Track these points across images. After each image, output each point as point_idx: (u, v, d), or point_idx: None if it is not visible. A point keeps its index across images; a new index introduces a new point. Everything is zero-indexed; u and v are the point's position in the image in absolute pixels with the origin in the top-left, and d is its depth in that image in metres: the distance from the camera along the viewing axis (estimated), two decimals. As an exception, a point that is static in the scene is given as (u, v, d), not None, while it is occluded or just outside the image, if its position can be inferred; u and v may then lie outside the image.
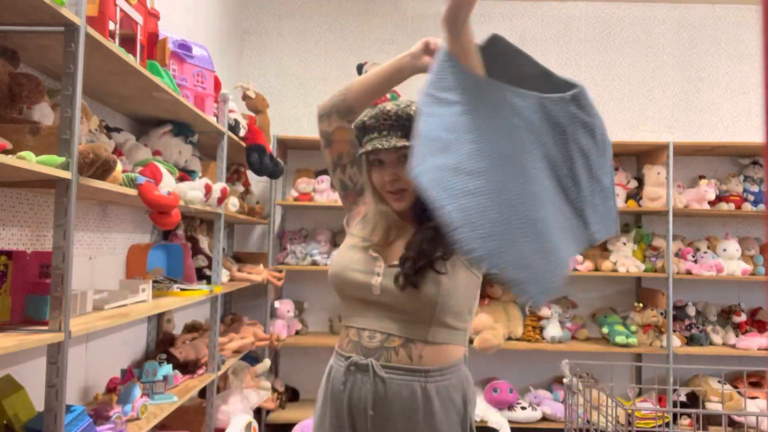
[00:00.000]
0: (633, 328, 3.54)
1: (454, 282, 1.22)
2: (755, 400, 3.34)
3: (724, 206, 3.58)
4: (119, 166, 1.63)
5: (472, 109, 1.06)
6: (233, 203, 2.85)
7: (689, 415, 3.37)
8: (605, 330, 3.58)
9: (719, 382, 3.21)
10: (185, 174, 2.31)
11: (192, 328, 2.90)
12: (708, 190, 3.52)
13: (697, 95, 3.93)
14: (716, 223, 3.87)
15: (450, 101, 1.08)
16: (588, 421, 2.01)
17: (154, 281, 2.24)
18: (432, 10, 3.98)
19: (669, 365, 3.23)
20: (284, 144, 3.78)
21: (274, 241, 3.75)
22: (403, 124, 1.24)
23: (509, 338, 3.57)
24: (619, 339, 3.45)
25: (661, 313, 3.58)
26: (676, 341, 3.49)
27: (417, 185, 1.02)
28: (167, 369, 2.21)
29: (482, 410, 3.32)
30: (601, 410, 1.99)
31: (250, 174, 3.57)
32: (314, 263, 3.60)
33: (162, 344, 2.59)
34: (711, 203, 3.57)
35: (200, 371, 2.48)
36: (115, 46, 1.56)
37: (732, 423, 3.42)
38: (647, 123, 3.92)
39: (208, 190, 2.19)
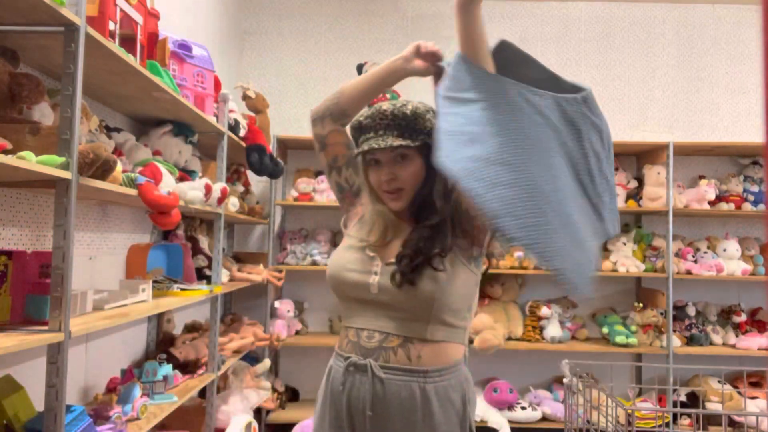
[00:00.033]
0: (633, 328, 3.54)
1: (452, 279, 1.22)
2: (755, 400, 3.33)
3: (724, 206, 3.58)
4: (119, 166, 1.63)
5: (494, 105, 1.08)
6: (233, 203, 2.85)
7: (689, 415, 3.37)
8: (605, 330, 3.58)
9: (719, 382, 3.21)
10: (185, 174, 2.31)
11: (192, 328, 2.90)
12: (708, 190, 3.52)
13: (697, 95, 3.93)
14: (716, 223, 3.87)
15: (471, 99, 1.10)
16: (588, 421, 2.01)
17: (154, 281, 2.24)
18: (432, 10, 3.98)
19: (669, 365, 3.23)
20: (284, 144, 3.78)
21: (274, 241, 3.75)
22: (399, 123, 1.24)
23: (509, 338, 3.57)
24: (619, 339, 3.45)
25: (661, 313, 3.58)
26: (676, 341, 3.49)
27: (448, 174, 1.03)
28: (167, 369, 2.21)
29: (482, 410, 3.32)
30: (601, 410, 1.99)
31: (250, 174, 3.57)
32: (314, 263, 3.60)
33: (162, 344, 2.59)
34: (711, 203, 3.57)
35: (200, 371, 2.48)
36: (115, 46, 1.56)
37: (732, 423, 3.42)
38: (647, 123, 3.92)
39: (208, 190, 2.19)
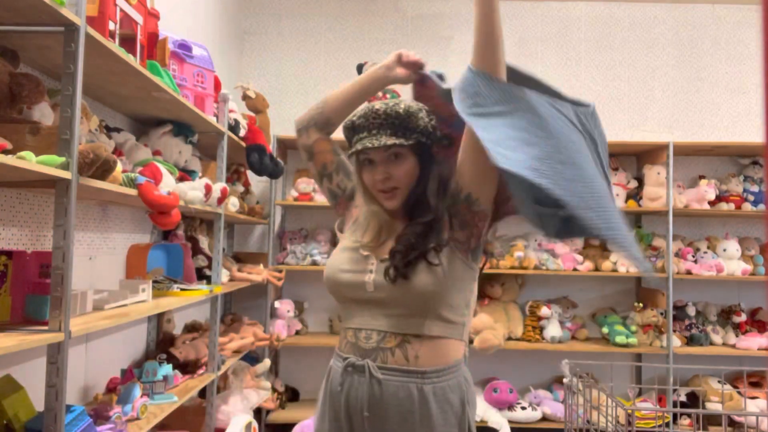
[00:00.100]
0: (633, 328, 3.54)
1: (448, 273, 1.22)
2: (755, 400, 3.34)
3: (724, 206, 3.58)
4: (119, 166, 1.63)
5: (532, 113, 1.13)
6: (233, 203, 2.85)
7: (689, 415, 3.37)
8: (605, 330, 3.58)
9: (719, 382, 3.21)
10: (185, 174, 2.31)
11: (192, 328, 2.90)
12: (708, 190, 3.52)
13: (697, 95, 3.93)
14: (716, 223, 3.87)
15: (505, 111, 1.13)
16: (588, 421, 2.01)
17: (154, 281, 2.24)
18: (432, 10, 3.98)
19: (669, 365, 3.23)
20: (284, 144, 3.78)
21: (274, 241, 3.75)
22: (392, 122, 1.24)
23: (509, 338, 3.57)
24: (619, 339, 3.45)
25: (661, 313, 3.58)
26: (676, 341, 3.49)
27: (509, 172, 1.06)
28: (167, 369, 2.21)
29: (482, 410, 3.32)
30: (601, 410, 1.99)
31: (250, 174, 3.57)
32: (314, 263, 3.60)
33: (162, 344, 2.59)
34: (711, 203, 3.57)
35: (200, 371, 2.48)
36: (115, 46, 1.56)
37: (732, 423, 3.42)
38: (647, 123, 3.92)
39: (208, 190, 2.19)
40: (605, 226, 1.07)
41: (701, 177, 3.70)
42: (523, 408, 3.41)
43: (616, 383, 2.48)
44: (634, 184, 3.71)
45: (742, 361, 3.55)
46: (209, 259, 2.77)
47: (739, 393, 3.29)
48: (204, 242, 2.91)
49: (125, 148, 2.03)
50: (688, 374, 3.66)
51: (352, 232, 1.36)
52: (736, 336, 3.60)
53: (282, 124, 3.79)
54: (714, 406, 3.30)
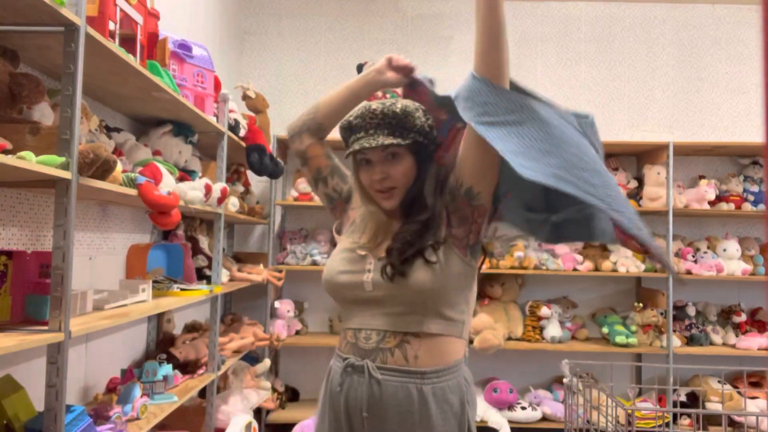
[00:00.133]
0: (633, 328, 3.54)
1: (446, 270, 1.22)
2: (755, 400, 3.34)
3: (724, 206, 3.58)
4: (119, 166, 1.63)
5: (545, 122, 1.14)
6: (233, 203, 2.85)
7: (689, 415, 3.37)
8: (605, 330, 3.58)
9: (719, 382, 3.21)
10: (185, 174, 2.31)
11: (192, 328, 2.90)
12: (708, 190, 3.52)
13: (697, 95, 3.93)
14: (716, 223, 3.87)
15: (517, 121, 1.14)
16: (588, 421, 2.01)
17: (154, 281, 2.24)
18: (432, 10, 3.98)
19: (669, 365, 3.23)
20: (284, 144, 3.78)
21: (274, 241, 3.75)
22: (389, 122, 1.23)
23: (509, 338, 3.57)
24: (619, 339, 3.45)
25: (661, 313, 3.58)
26: (676, 341, 3.49)
27: (540, 183, 1.07)
28: (167, 369, 2.21)
29: (482, 410, 3.32)
30: (601, 410, 1.99)
31: (250, 174, 3.56)
32: (314, 263, 3.59)
33: (162, 344, 2.59)
34: (711, 203, 3.57)
35: (200, 371, 2.48)
36: (115, 46, 1.56)
37: (732, 423, 3.42)
38: (647, 123, 3.92)
39: (208, 190, 2.19)
40: (636, 227, 1.10)
41: (701, 177, 3.70)
42: (523, 408, 3.41)
43: (616, 383, 2.48)
44: (634, 184, 3.71)
45: (742, 361, 3.55)
46: (209, 259, 2.77)
47: (739, 393, 3.29)
48: (204, 242, 2.91)
49: (125, 148, 2.03)
50: (688, 374, 3.66)
51: (349, 234, 1.36)
52: (736, 336, 3.60)
53: (282, 124, 3.79)
54: (714, 406, 3.30)
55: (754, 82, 3.89)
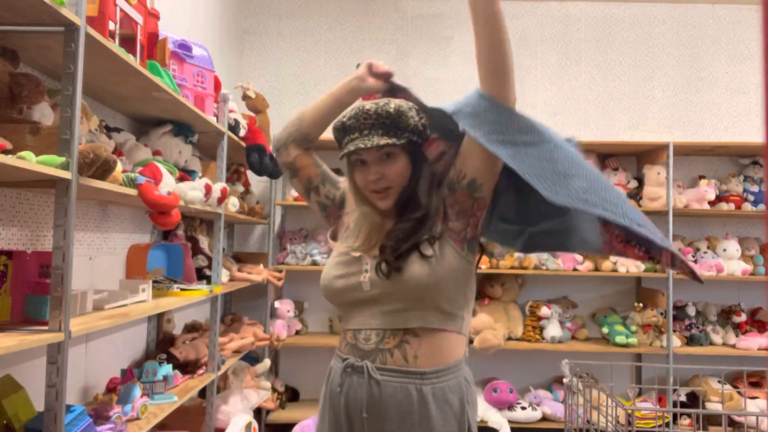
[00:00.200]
0: (633, 328, 3.54)
1: (443, 264, 1.22)
2: (755, 400, 3.34)
3: (724, 206, 3.58)
4: (119, 166, 1.63)
5: (556, 143, 1.16)
6: (233, 203, 2.85)
7: (689, 415, 3.37)
8: (605, 330, 3.58)
9: (719, 382, 3.21)
10: (185, 174, 2.31)
11: (192, 328, 2.90)
12: (708, 190, 3.52)
13: (697, 95, 3.93)
14: (716, 223, 3.87)
15: (532, 141, 1.15)
16: (588, 421, 2.00)
17: (154, 281, 2.24)
18: (432, 10, 3.98)
19: (669, 365, 3.23)
20: (284, 144, 3.77)
21: (274, 241, 3.75)
22: (383, 122, 1.23)
23: (509, 338, 3.57)
24: (619, 339, 3.45)
25: (661, 313, 3.58)
26: (676, 341, 3.49)
27: (564, 204, 1.11)
28: (167, 369, 2.21)
29: (482, 410, 3.32)
30: (601, 410, 1.99)
31: (250, 174, 3.56)
32: (314, 263, 3.59)
33: (162, 344, 2.59)
34: (711, 203, 3.57)
35: (200, 371, 2.48)
36: (115, 46, 1.56)
37: (732, 423, 3.42)
38: (647, 123, 3.92)
39: (208, 190, 2.19)
40: (661, 239, 1.14)
41: (701, 177, 3.70)
42: (523, 408, 3.41)
43: (616, 383, 2.48)
44: (634, 184, 3.71)
45: (742, 361, 3.55)
46: (209, 259, 2.77)
47: (739, 393, 3.29)
48: (204, 242, 2.91)
49: (125, 148, 2.03)
50: (688, 374, 3.66)
51: (344, 239, 1.36)
52: (736, 336, 3.60)
53: (282, 124, 3.76)
54: (714, 406, 3.30)
55: (754, 82, 3.89)
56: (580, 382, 2.09)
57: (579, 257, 3.61)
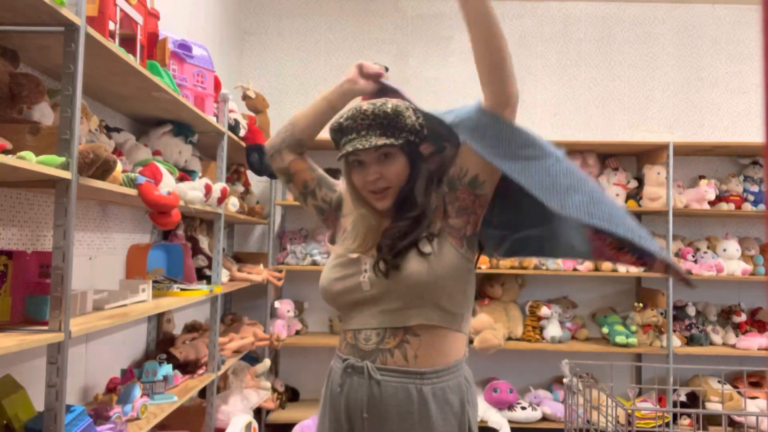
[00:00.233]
0: (633, 328, 3.54)
1: (441, 261, 1.22)
2: (755, 400, 3.34)
3: (724, 206, 3.58)
4: (119, 166, 1.63)
5: (551, 157, 1.17)
6: (233, 203, 2.85)
7: (689, 415, 3.37)
8: (605, 330, 3.58)
9: (719, 382, 3.21)
10: (185, 174, 2.31)
11: (192, 328, 2.90)
12: (708, 190, 3.52)
13: (697, 95, 3.93)
14: (716, 223, 3.87)
15: (535, 156, 1.16)
16: (588, 421, 2.00)
17: (154, 281, 2.24)
18: (432, 10, 3.98)
19: (669, 365, 3.23)
20: (284, 144, 3.77)
21: (274, 241, 3.75)
22: (381, 122, 1.23)
23: (509, 338, 3.57)
24: (619, 339, 3.45)
25: (661, 313, 3.58)
26: (676, 341, 3.49)
27: (573, 218, 1.12)
28: (167, 369, 2.21)
29: (482, 410, 3.32)
30: (601, 410, 1.99)
31: (250, 174, 3.57)
32: (314, 263, 3.60)
33: (162, 344, 2.59)
34: (711, 203, 3.57)
35: (200, 371, 2.48)
36: (115, 46, 1.56)
37: (732, 423, 3.42)
38: (647, 123, 3.92)
39: (208, 190, 2.19)
40: (659, 249, 1.15)
41: (701, 177, 3.70)
42: (523, 408, 3.41)
43: (616, 383, 2.48)
44: (634, 184, 3.71)
45: (742, 361, 3.55)
46: (209, 259, 2.77)
47: (739, 393, 3.29)
48: (204, 242, 2.91)
49: (125, 148, 2.03)
50: (688, 374, 3.66)
51: (342, 241, 1.36)
52: (736, 336, 3.60)
53: (282, 124, 3.79)
54: (714, 406, 3.30)
55: (754, 82, 3.89)
56: (580, 382, 2.09)
57: (579, 257, 3.60)
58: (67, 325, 1.37)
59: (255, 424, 2.67)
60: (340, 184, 1.43)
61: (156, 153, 2.20)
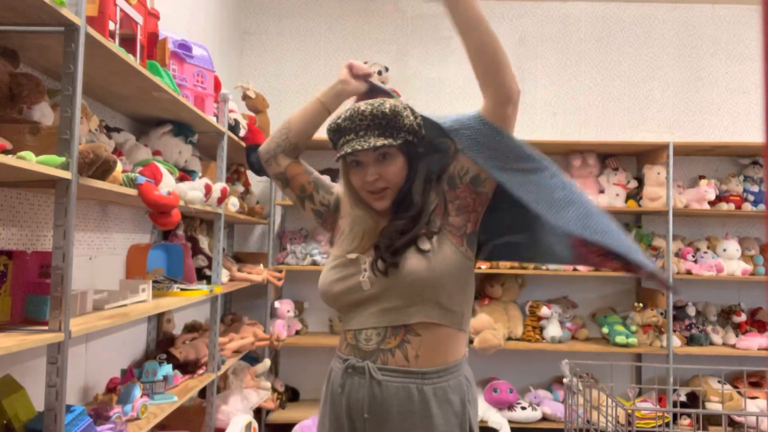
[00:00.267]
0: (633, 328, 3.54)
1: (441, 258, 1.22)
2: (755, 400, 3.34)
3: (724, 206, 3.58)
4: (119, 166, 1.63)
5: (546, 171, 1.19)
6: (233, 203, 2.85)
7: (689, 415, 3.37)
8: (605, 330, 3.58)
9: (719, 382, 3.21)
10: (185, 174, 2.31)
11: (192, 328, 2.90)
12: (708, 190, 3.52)
13: (697, 95, 3.93)
14: (716, 223, 3.87)
15: (532, 168, 1.19)
16: (588, 421, 2.00)
17: (154, 281, 2.24)
18: (432, 11, 3.98)
19: (669, 365, 3.23)
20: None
21: (274, 241, 3.75)
22: (379, 123, 1.23)
23: (509, 338, 3.57)
24: (619, 339, 3.45)
25: (661, 313, 3.58)
26: (676, 341, 3.49)
27: (569, 231, 1.15)
28: (167, 369, 2.21)
29: (482, 410, 3.32)
30: (601, 410, 1.99)
31: (250, 174, 3.57)
32: (314, 263, 3.60)
33: (162, 344, 2.59)
34: (711, 203, 3.57)
35: (200, 371, 2.48)
36: (115, 46, 1.56)
37: (732, 423, 3.42)
38: (647, 123, 3.92)
39: (208, 190, 2.19)
40: (647, 261, 1.17)
41: (701, 177, 3.70)
42: (523, 408, 3.41)
43: (616, 383, 2.48)
44: (634, 184, 3.71)
45: (742, 361, 3.55)
46: (209, 259, 2.77)
47: (739, 393, 3.29)
48: (204, 242, 2.91)
49: (125, 148, 2.03)
50: (688, 374, 3.66)
51: (340, 243, 1.36)
52: (736, 336, 3.60)
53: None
54: (714, 406, 3.30)
55: (754, 82, 3.89)
56: (580, 382, 2.09)
57: (579, 257, 3.60)
58: (67, 325, 1.37)
59: (255, 424, 2.67)
60: (337, 186, 1.43)
61: (156, 153, 2.20)
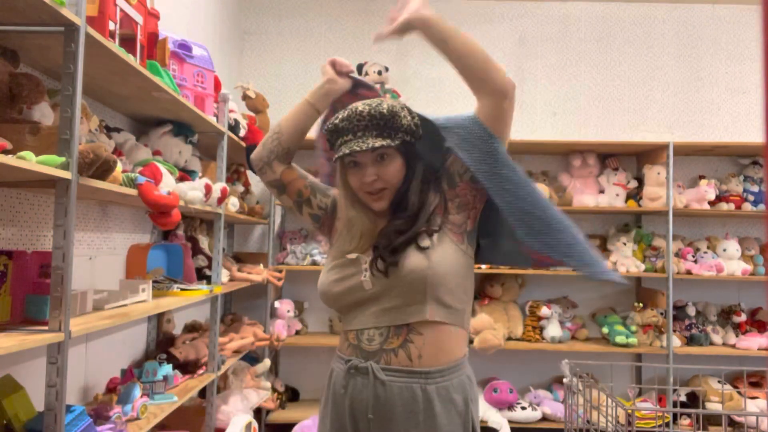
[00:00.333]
0: (633, 328, 3.54)
1: (441, 255, 1.22)
2: (755, 400, 3.34)
3: (724, 206, 3.58)
4: (119, 166, 1.63)
5: (521, 180, 1.22)
6: (233, 203, 2.85)
7: (689, 415, 3.37)
8: (605, 330, 3.58)
9: (719, 382, 3.21)
10: (185, 174, 2.31)
11: (192, 328, 2.90)
12: (708, 190, 3.52)
13: (697, 95, 3.93)
14: (716, 223, 3.87)
15: (506, 177, 1.22)
16: (588, 421, 2.00)
17: (154, 281, 2.24)
18: (432, 11, 3.97)
19: (669, 365, 3.23)
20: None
21: (274, 241, 3.75)
22: (377, 123, 1.23)
23: (509, 338, 3.57)
24: (619, 339, 3.45)
25: (661, 313, 3.58)
26: (676, 341, 3.49)
27: (535, 248, 1.22)
28: (167, 369, 2.21)
29: (482, 410, 3.32)
30: (601, 410, 1.99)
31: (250, 174, 3.56)
32: (314, 263, 3.60)
33: (162, 344, 2.59)
34: (711, 203, 3.57)
35: (200, 371, 2.48)
36: (115, 46, 1.56)
37: (732, 423, 3.42)
38: (647, 123, 3.93)
39: (208, 190, 2.19)
40: (608, 270, 1.22)
41: (701, 177, 3.70)
42: (523, 408, 3.41)
43: (616, 383, 2.48)
44: (634, 184, 3.70)
45: (742, 361, 3.55)
46: (209, 259, 2.77)
47: (739, 393, 3.29)
48: (204, 242, 2.91)
49: (125, 148, 2.03)
50: (688, 374, 3.66)
51: (338, 244, 1.35)
52: (736, 336, 3.60)
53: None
54: (714, 406, 3.30)
55: (754, 82, 3.89)
56: (580, 382, 2.09)
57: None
58: (67, 325, 1.37)
59: (255, 424, 2.67)
60: (334, 189, 1.42)
61: (156, 153, 2.20)
